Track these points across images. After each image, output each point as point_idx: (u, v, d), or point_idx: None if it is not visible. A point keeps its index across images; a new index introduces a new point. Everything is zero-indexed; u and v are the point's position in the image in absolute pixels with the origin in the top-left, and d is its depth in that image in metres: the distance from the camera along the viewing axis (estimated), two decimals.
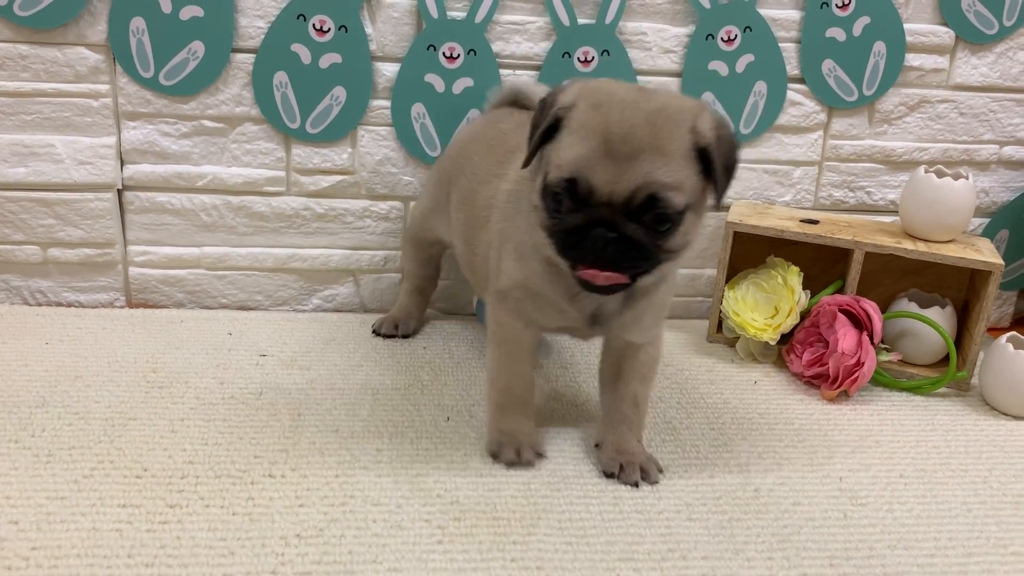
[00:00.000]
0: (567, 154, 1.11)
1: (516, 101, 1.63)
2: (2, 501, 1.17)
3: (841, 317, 1.62)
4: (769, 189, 1.87)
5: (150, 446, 1.31)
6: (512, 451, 1.32)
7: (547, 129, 1.15)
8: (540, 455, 1.35)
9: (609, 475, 1.31)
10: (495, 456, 1.33)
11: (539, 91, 1.51)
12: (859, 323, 1.62)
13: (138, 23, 1.62)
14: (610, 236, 1.10)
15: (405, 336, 1.73)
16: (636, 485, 1.29)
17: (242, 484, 1.24)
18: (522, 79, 1.70)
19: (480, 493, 1.26)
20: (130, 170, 1.71)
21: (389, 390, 1.53)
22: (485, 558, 1.13)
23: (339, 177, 1.77)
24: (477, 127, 1.62)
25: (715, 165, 1.13)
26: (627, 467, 1.30)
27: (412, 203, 1.79)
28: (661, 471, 1.33)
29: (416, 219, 1.72)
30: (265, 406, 1.44)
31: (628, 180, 1.09)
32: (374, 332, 1.74)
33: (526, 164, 1.19)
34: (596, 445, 1.38)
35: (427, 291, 1.79)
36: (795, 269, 1.72)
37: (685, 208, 1.12)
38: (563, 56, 1.73)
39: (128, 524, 1.14)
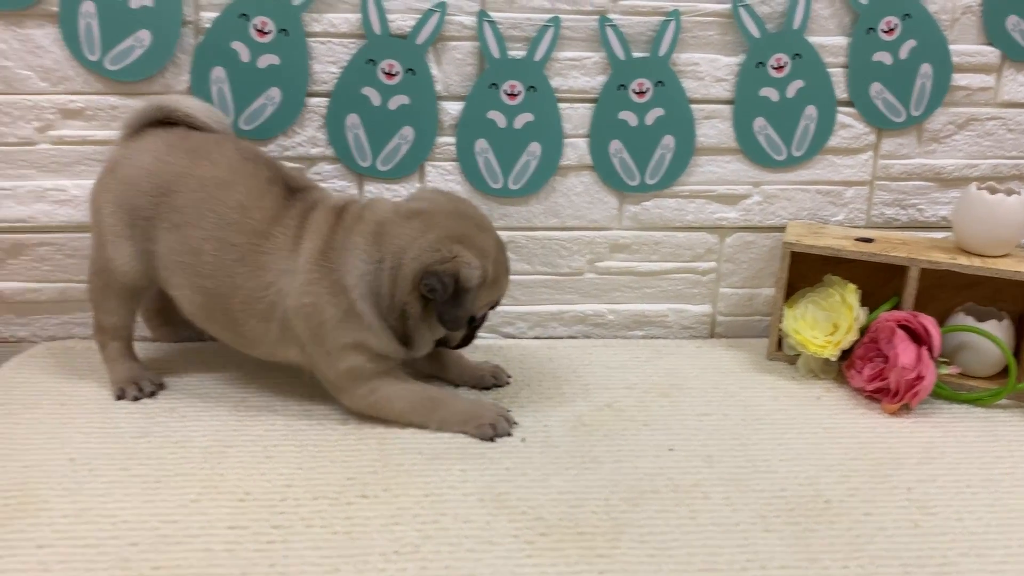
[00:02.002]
0: (492, 296, 1.56)
1: (164, 119, 1.59)
2: (120, 524, 1.25)
3: (900, 332, 1.66)
4: (822, 209, 1.92)
5: (249, 472, 1.39)
6: (503, 421, 1.54)
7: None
8: (512, 419, 1.57)
9: (491, 386, 1.71)
10: (491, 437, 1.51)
11: (196, 107, 1.60)
12: (918, 338, 1.66)
13: (218, 72, 1.72)
14: None
15: (153, 394, 1.62)
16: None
17: (339, 505, 1.31)
18: (175, 97, 1.64)
19: (562, 510, 1.32)
20: None
21: None
22: (575, 571, 1.19)
23: None
24: (180, 160, 1.54)
25: None
26: (496, 372, 1.73)
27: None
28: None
29: (125, 267, 1.57)
30: (351, 431, 1.52)
31: None
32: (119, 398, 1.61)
33: (460, 328, 1.55)
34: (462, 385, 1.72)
35: (132, 340, 1.68)
36: (852, 287, 1.76)
37: None
38: (619, 88, 1.80)
39: (238, 544, 1.22)
